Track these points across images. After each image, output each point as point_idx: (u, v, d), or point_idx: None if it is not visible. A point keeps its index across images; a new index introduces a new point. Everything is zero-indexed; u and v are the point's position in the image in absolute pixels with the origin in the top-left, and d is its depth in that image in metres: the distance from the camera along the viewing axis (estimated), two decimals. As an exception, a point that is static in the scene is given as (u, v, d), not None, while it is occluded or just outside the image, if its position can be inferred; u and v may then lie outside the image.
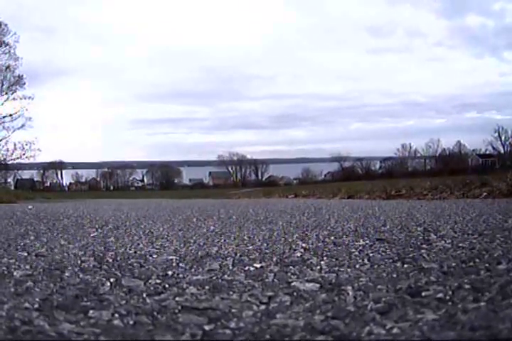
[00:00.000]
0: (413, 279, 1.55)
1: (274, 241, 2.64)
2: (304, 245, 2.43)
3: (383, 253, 2.10)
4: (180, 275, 1.72)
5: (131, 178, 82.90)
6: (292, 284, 1.55)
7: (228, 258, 2.08)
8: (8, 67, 36.07)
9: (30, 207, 8.08)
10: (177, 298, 1.39)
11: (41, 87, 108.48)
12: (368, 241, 2.49)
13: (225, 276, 1.70)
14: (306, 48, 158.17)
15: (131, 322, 1.17)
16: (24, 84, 36.76)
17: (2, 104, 36.57)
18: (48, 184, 76.55)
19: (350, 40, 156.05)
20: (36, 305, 1.32)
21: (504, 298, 1.27)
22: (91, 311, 1.26)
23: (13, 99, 36.55)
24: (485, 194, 7.25)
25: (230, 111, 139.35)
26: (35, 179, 74.95)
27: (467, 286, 1.42)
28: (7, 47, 35.67)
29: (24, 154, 36.53)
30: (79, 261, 2.06)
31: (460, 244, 2.25)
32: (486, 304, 1.23)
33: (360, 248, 2.28)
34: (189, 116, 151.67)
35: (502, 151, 66.30)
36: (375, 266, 1.81)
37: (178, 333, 1.10)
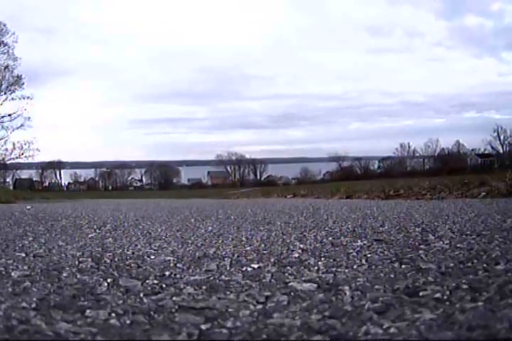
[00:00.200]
0: (411, 279, 1.55)
1: (272, 241, 2.64)
2: (301, 246, 2.43)
3: (381, 254, 2.10)
4: (178, 276, 1.73)
5: (129, 178, 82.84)
6: (289, 284, 1.55)
7: (226, 259, 2.08)
8: (6, 67, 36.08)
9: (28, 207, 8.08)
10: (174, 298, 1.39)
11: (41, 87, 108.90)
12: (365, 242, 2.49)
13: (223, 277, 1.70)
14: (306, 48, 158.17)
15: (128, 322, 1.17)
16: (23, 84, 36.77)
17: (1, 103, 36.58)
18: (47, 184, 76.48)
19: (349, 40, 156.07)
20: (33, 305, 1.32)
21: (502, 298, 1.27)
22: (88, 311, 1.26)
23: (12, 99, 36.59)
24: (484, 194, 7.25)
25: (229, 111, 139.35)
26: (34, 179, 74.94)
27: (465, 286, 1.42)
28: (6, 47, 35.66)
29: (23, 154, 36.56)
30: (77, 262, 2.06)
31: (458, 245, 2.26)
32: (484, 304, 1.23)
33: (358, 248, 2.28)
34: (188, 116, 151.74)
35: (501, 151, 66.37)
36: (373, 267, 1.81)
37: (174, 332, 1.10)
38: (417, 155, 73.77)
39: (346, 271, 1.75)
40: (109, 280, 1.65)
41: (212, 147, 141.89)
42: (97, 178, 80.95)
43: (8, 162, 38.83)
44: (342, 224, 3.49)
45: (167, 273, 1.78)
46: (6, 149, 36.44)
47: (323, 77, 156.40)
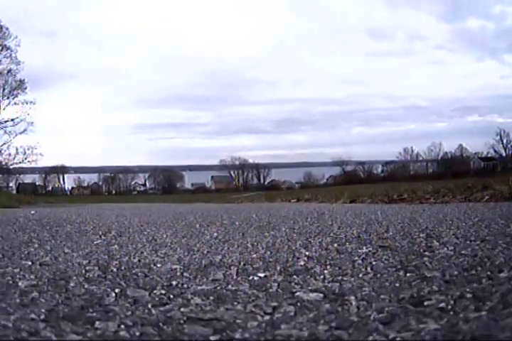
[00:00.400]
0: (416, 288, 1.56)
1: (278, 248, 2.66)
2: (307, 253, 2.44)
3: (386, 262, 2.11)
4: (185, 286, 1.74)
5: (133, 183, 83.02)
6: (296, 294, 1.56)
7: (232, 267, 2.09)
8: (9, 71, 36.26)
9: (32, 212, 8.10)
10: (182, 309, 1.40)
11: (43, 91, 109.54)
12: (370, 249, 2.50)
13: (229, 286, 1.71)
14: (308, 53, 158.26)
15: (137, 334, 1.19)
16: (26, 88, 36.94)
17: (4, 108, 36.71)
18: (50, 188, 76.69)
19: (351, 44, 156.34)
20: (42, 316, 1.33)
21: (505, 307, 1.28)
22: (97, 322, 1.27)
23: (15, 103, 36.71)
24: (487, 197, 7.24)
25: (232, 116, 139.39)
26: (37, 183, 75.14)
27: (469, 295, 1.43)
28: (8, 51, 35.86)
29: (26, 158, 36.73)
30: (83, 271, 2.07)
31: (462, 251, 2.26)
32: (487, 313, 1.24)
33: (363, 256, 2.30)
34: (191, 121, 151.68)
35: (504, 154, 66.36)
36: (378, 275, 1.82)
37: (184, 345, 1.11)
38: (421, 159, 73.92)
39: (352, 279, 1.76)
40: (116, 290, 1.66)
41: (215, 152, 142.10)
42: (100, 183, 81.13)
43: (11, 167, 38.96)
44: (347, 230, 3.50)
45: (174, 282, 1.79)
46: (9, 154, 36.63)
47: (326, 81, 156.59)
